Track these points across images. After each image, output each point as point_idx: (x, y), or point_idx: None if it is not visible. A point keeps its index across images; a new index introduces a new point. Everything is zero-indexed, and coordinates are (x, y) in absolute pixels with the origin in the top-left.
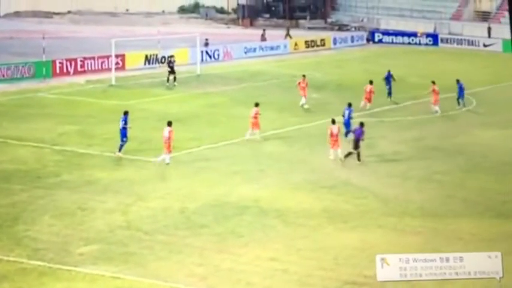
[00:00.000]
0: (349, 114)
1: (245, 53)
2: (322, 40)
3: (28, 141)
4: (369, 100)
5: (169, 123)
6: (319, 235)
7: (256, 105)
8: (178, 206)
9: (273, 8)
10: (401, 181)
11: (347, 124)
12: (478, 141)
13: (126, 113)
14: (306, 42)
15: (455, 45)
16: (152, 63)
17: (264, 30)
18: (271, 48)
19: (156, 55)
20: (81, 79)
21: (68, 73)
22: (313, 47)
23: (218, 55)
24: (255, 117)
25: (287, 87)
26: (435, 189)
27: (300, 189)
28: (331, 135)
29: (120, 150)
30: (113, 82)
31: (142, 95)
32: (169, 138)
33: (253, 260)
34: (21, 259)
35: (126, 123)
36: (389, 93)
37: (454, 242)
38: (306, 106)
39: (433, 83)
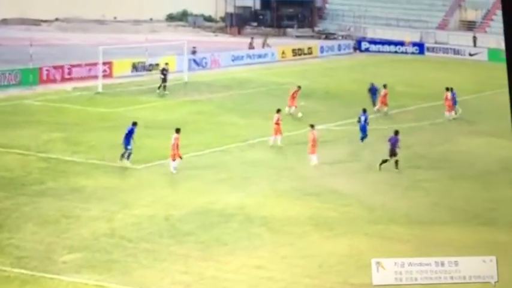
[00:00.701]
0: (366, 119)
1: (233, 60)
2: (309, 48)
3: (13, 148)
4: (385, 104)
5: (177, 130)
6: (305, 243)
7: (278, 111)
8: (163, 214)
9: (261, 17)
10: (388, 189)
11: (363, 129)
12: (464, 149)
13: (134, 124)
14: (293, 50)
15: (441, 54)
16: (140, 71)
17: (252, 38)
18: (259, 56)
19: (144, 63)
20: (68, 86)
21: (54, 80)
22: (300, 55)
23: (206, 63)
24: (277, 123)
25: (274, 95)
26: (422, 196)
27: (286, 197)
28: (312, 140)
29: (124, 156)
30: (100, 89)
31: (129, 102)
32: (173, 145)
33: (239, 268)
34: (4, 267)
35: (130, 133)
36: (374, 104)
37: (440, 249)
38: (299, 115)
39: (447, 90)
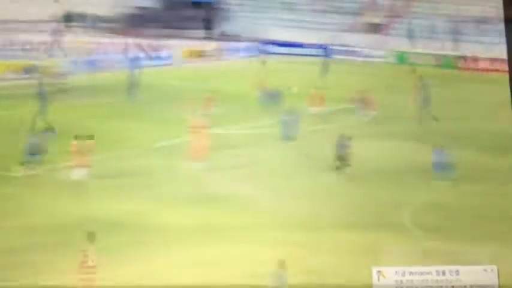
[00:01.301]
0: (291, 121)
1: (130, 63)
2: (212, 51)
3: None
4: (320, 104)
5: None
6: (204, 251)
7: (199, 115)
8: (47, 223)
9: (161, 18)
10: (287, 194)
11: (288, 130)
12: (366, 152)
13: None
14: (195, 52)
15: (347, 56)
16: (21, 74)
17: (150, 40)
18: (159, 59)
19: (28, 65)
20: None
21: None
22: (202, 57)
23: (101, 65)
24: (198, 128)
25: (174, 99)
26: (321, 201)
27: (184, 204)
28: (197, 145)
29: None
30: None
31: (7, 107)
32: (72, 152)
33: (132, 277)
34: None
35: (41, 140)
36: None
37: (338, 254)
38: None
39: (363, 92)
